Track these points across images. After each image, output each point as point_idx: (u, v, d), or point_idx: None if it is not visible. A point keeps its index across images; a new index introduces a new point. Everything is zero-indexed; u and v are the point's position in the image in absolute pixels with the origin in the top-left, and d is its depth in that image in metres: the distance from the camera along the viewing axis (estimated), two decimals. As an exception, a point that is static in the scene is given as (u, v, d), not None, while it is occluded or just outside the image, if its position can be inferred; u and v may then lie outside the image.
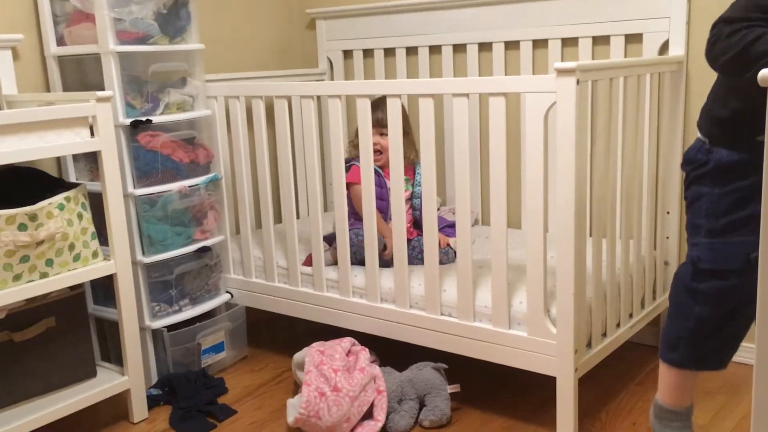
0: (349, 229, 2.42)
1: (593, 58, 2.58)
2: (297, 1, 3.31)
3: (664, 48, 2.44)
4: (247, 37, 3.11)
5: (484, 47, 2.83)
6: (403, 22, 2.99)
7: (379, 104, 2.43)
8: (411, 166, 2.59)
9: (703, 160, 1.72)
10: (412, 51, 3.02)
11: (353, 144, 2.48)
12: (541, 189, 1.96)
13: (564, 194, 1.91)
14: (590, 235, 2.09)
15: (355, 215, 2.55)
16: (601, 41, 2.57)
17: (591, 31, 2.56)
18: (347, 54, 3.23)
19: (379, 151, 2.51)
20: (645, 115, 2.36)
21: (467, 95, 2.08)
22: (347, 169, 2.47)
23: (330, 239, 2.55)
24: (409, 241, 2.38)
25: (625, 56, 2.52)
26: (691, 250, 1.76)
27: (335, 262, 2.49)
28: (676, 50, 2.41)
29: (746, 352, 2.47)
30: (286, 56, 3.28)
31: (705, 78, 2.42)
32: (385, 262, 2.43)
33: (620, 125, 2.20)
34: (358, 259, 2.46)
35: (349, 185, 2.49)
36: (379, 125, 2.44)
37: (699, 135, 1.78)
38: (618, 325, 2.26)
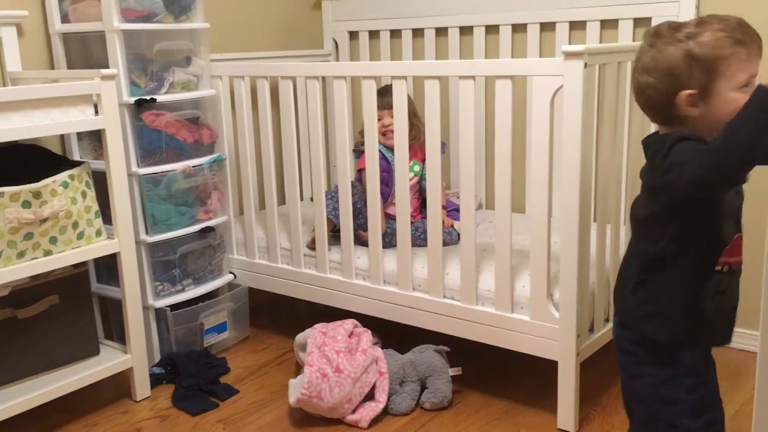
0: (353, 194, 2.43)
1: (601, 42, 2.56)
2: (303, -19, 3.28)
3: (672, 32, 2.42)
4: (253, 16, 3.09)
5: (491, 30, 2.81)
6: (410, 4, 2.97)
7: (389, 89, 2.42)
8: (422, 149, 2.57)
9: None
10: (418, 33, 3.00)
11: (361, 133, 2.46)
12: (546, 173, 1.95)
13: (569, 179, 1.90)
14: (594, 221, 2.09)
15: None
16: (609, 25, 2.55)
17: (599, 14, 2.54)
18: (353, 35, 3.20)
19: (392, 131, 2.46)
20: (652, 100, 2.34)
21: (473, 78, 2.07)
22: (359, 155, 2.46)
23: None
24: (412, 222, 2.38)
25: (634, 40, 2.50)
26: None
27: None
28: (685, 35, 2.38)
29: (746, 339, 2.47)
30: (291, 37, 3.26)
31: (713, 63, 2.40)
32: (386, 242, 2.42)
33: (627, 110, 2.19)
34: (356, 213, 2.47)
35: (360, 171, 2.49)
36: (391, 107, 2.43)
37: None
38: (621, 311, 2.25)
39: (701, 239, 1.33)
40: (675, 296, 1.36)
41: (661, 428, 1.41)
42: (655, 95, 1.33)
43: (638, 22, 2.48)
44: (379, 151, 2.43)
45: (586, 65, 1.83)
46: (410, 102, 2.49)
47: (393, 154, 2.42)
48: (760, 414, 1.00)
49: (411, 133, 2.41)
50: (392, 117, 2.40)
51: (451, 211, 2.61)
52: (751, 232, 1.80)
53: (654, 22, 2.43)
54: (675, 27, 1.32)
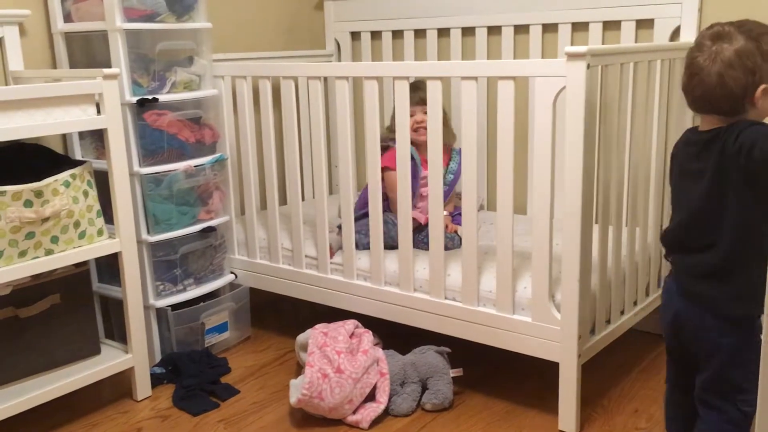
0: (383, 219, 2.37)
1: (603, 43, 2.56)
2: (305, -18, 3.29)
3: (675, 34, 2.42)
4: (255, 16, 3.09)
5: (493, 31, 2.81)
6: (412, 5, 2.97)
7: (422, 85, 2.41)
8: (448, 153, 2.54)
9: None
10: (420, 33, 3.00)
11: (390, 129, 2.42)
12: (549, 175, 1.95)
13: (571, 180, 1.90)
14: (596, 222, 2.09)
15: (386, 201, 2.46)
16: (611, 26, 2.55)
17: (602, 15, 2.54)
18: (355, 36, 3.20)
19: (425, 128, 2.36)
20: (655, 102, 2.34)
21: (476, 79, 2.06)
22: (383, 151, 2.41)
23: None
24: (422, 227, 2.38)
25: (636, 42, 2.49)
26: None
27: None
28: (688, 36, 2.38)
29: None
30: (293, 37, 3.26)
31: (716, 65, 2.40)
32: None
33: (629, 112, 2.18)
34: (390, 245, 2.41)
35: (383, 169, 2.39)
36: (424, 104, 2.41)
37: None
38: (622, 312, 2.25)
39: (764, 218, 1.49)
40: (747, 276, 1.50)
41: (726, 388, 1.59)
42: (736, 87, 1.46)
43: (640, 23, 2.48)
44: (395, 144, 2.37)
45: (588, 66, 1.83)
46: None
47: (418, 153, 2.41)
48: (762, 412, 1.00)
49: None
50: (425, 114, 2.33)
51: (456, 215, 2.60)
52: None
53: (656, 24, 2.43)
54: (741, 28, 1.50)
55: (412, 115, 2.39)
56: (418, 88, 2.38)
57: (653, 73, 2.28)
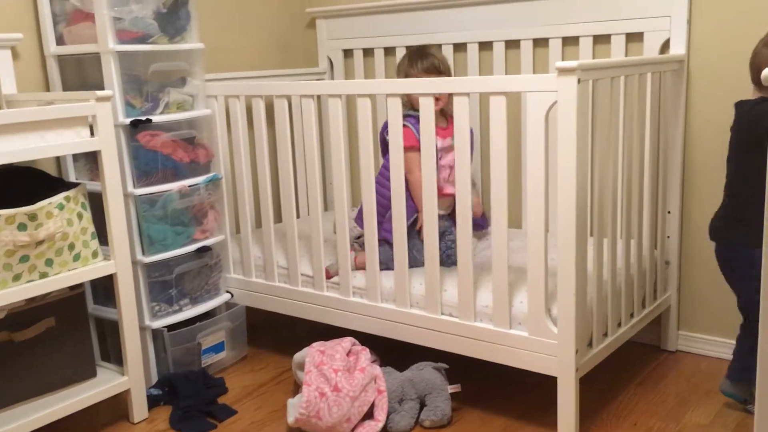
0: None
1: (594, 57, 2.57)
2: (297, 0, 3.30)
3: (665, 47, 2.44)
4: (248, 36, 3.11)
5: (485, 46, 2.83)
6: (404, 22, 2.99)
7: (424, 52, 2.36)
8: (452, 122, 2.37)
9: None
10: (412, 50, 3.00)
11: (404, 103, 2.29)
12: (543, 188, 1.96)
13: (565, 194, 1.91)
14: (591, 235, 2.09)
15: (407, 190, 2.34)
16: (602, 40, 2.56)
17: (592, 30, 2.56)
18: (347, 53, 3.22)
19: (437, 98, 2.30)
20: (646, 115, 2.35)
21: (468, 94, 2.07)
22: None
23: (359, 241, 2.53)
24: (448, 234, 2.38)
25: (626, 55, 2.51)
26: None
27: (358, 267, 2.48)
28: (678, 49, 2.40)
29: (724, 348, 2.47)
30: (286, 55, 3.27)
31: (706, 77, 2.42)
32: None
33: (621, 124, 2.20)
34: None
35: (405, 150, 2.24)
36: (436, 71, 2.35)
37: None
38: (619, 325, 2.25)
39: None
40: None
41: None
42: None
43: (630, 37, 2.50)
44: (410, 122, 2.33)
45: (579, 81, 1.84)
46: (447, 64, 2.44)
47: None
48: (761, 412, 1.00)
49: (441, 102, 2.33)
50: None
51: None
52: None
53: (646, 38, 2.45)
54: None
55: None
56: (424, 55, 2.33)
57: (644, 86, 2.30)
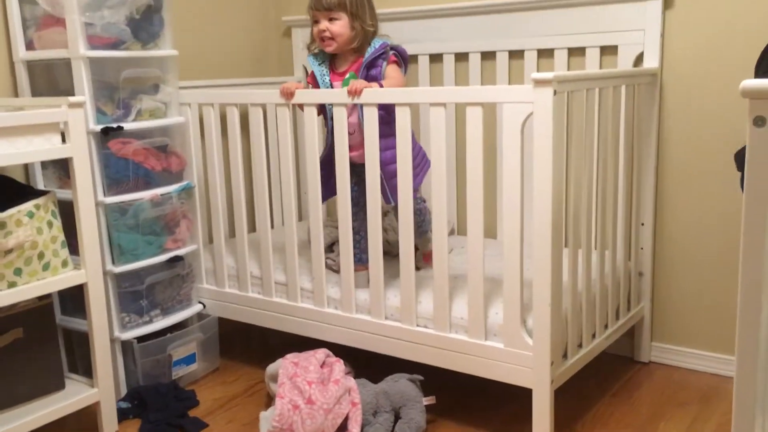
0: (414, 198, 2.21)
1: (569, 70, 2.59)
2: (273, 9, 3.29)
3: (638, 60, 2.46)
4: (222, 43, 3.08)
5: (461, 57, 2.83)
6: (379, 32, 2.97)
7: None
8: (359, 56, 2.37)
9: None
10: (388, 60, 3.00)
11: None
12: (518, 199, 1.96)
13: (541, 204, 1.91)
14: (566, 246, 2.09)
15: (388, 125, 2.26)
16: (576, 53, 2.58)
17: (567, 42, 2.58)
18: (323, 62, 3.20)
19: (331, 38, 2.32)
20: (620, 127, 2.37)
21: (444, 105, 2.07)
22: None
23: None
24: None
25: (601, 68, 2.53)
26: None
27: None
28: (651, 62, 2.43)
29: (717, 363, 2.50)
30: (261, 64, 3.25)
31: (679, 90, 2.45)
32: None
33: (596, 136, 2.21)
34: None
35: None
36: (324, 8, 2.29)
37: None
38: (594, 336, 2.26)
39: None
40: None
41: None
42: None
43: (605, 50, 2.52)
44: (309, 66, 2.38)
45: (555, 92, 1.85)
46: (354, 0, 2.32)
47: (327, 65, 2.38)
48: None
49: (351, 37, 2.31)
50: (330, 20, 2.30)
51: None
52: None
53: (620, 50, 2.48)
54: None
55: (316, 22, 2.33)
56: None
57: (618, 99, 2.31)
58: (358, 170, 2.34)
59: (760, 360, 1.06)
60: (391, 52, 2.34)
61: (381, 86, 2.24)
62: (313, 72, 2.42)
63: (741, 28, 2.29)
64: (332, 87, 2.36)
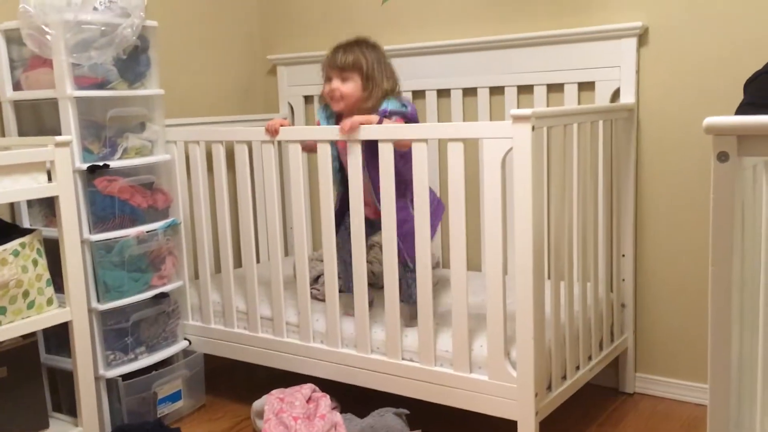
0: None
1: (548, 105, 2.64)
2: (259, 48, 3.34)
3: (615, 96, 2.52)
4: (208, 81, 3.12)
5: (443, 93, 2.89)
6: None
7: (347, 47, 2.31)
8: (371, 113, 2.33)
9: None
10: (371, 97, 3.04)
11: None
12: (500, 233, 1.99)
13: (522, 238, 1.94)
14: (548, 278, 2.12)
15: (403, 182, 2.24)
16: (555, 89, 2.64)
17: (546, 78, 2.63)
18: (308, 99, 3.25)
19: (340, 98, 2.32)
20: (599, 161, 2.42)
21: (426, 141, 2.11)
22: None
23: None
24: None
25: (579, 103, 2.59)
26: None
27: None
28: (627, 98, 2.48)
29: (701, 393, 2.51)
30: (247, 101, 3.29)
31: (655, 124, 2.51)
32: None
33: (575, 170, 2.25)
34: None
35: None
36: (338, 67, 2.29)
37: None
38: (577, 368, 2.27)
39: None
40: None
41: None
42: None
43: (582, 86, 2.57)
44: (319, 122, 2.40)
45: (533, 128, 1.89)
46: (371, 61, 2.31)
47: (334, 120, 2.38)
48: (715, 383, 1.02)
49: (363, 97, 2.30)
50: (343, 81, 2.30)
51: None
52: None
53: (597, 86, 2.54)
54: None
55: (329, 79, 2.33)
56: (337, 50, 2.30)
57: (596, 133, 2.36)
58: (369, 222, 2.34)
59: (732, 387, 1.08)
60: (396, 117, 2.28)
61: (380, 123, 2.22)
62: (319, 122, 2.45)
63: (713, 63, 2.36)
64: (337, 143, 2.35)
